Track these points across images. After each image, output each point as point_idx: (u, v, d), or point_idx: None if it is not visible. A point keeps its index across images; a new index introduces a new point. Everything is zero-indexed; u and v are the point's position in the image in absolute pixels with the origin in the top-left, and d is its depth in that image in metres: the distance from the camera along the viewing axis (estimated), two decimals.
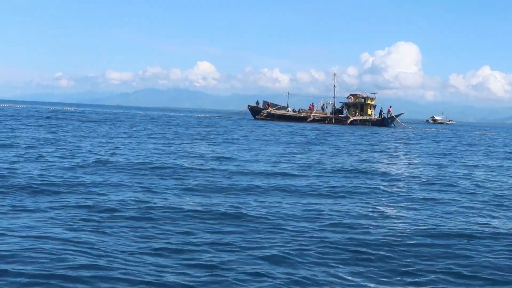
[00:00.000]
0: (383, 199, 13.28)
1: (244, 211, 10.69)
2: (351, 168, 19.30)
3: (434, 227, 10.06)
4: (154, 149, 22.93)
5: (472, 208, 12.45)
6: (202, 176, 15.35)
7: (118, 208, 10.39)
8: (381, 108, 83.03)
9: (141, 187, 13.09)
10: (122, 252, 7.59)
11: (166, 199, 11.78)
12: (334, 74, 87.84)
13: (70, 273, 6.62)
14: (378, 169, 19.66)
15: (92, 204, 10.64)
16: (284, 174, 16.78)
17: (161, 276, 6.73)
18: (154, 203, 11.02)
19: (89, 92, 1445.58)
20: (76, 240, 7.96)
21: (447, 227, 10.00)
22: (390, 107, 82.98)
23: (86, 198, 11.28)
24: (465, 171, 20.52)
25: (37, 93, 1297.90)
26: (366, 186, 15.33)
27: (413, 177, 18.06)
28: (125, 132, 34.76)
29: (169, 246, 8.01)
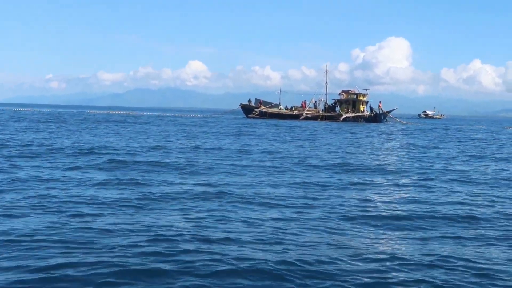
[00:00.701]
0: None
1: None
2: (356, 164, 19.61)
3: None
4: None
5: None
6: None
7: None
8: (370, 104, 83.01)
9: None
10: None
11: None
12: (326, 70, 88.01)
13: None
14: (372, 164, 19.91)
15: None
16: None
17: None
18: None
19: (81, 93, 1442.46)
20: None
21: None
22: (380, 102, 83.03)
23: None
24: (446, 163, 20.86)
25: (29, 95, 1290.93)
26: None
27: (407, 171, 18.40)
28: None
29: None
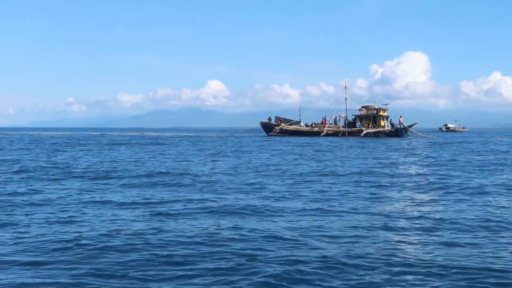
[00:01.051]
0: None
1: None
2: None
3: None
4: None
5: None
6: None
7: None
8: (391, 119, 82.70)
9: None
10: None
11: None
12: (345, 86, 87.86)
13: None
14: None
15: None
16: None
17: None
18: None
19: (102, 115, 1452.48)
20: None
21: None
22: (401, 117, 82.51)
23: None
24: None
25: (50, 119, 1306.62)
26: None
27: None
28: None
29: None
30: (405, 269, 8.09)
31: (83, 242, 9.63)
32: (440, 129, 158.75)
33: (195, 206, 13.78)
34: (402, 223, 11.75)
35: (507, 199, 15.47)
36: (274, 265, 8.16)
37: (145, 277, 7.66)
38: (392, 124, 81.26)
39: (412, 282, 7.50)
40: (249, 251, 9.04)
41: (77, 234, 10.27)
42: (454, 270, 7.99)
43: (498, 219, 12.22)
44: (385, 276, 7.71)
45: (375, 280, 7.53)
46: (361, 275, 7.75)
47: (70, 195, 15.86)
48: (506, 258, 8.74)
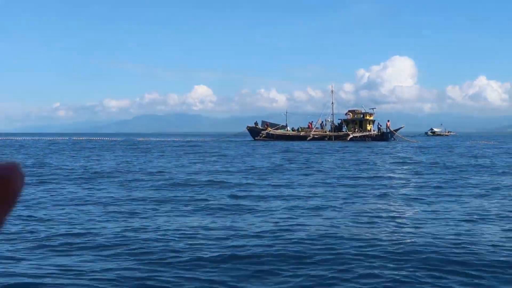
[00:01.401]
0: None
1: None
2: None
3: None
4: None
5: None
6: None
7: None
8: (378, 123, 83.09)
9: None
10: None
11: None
12: (331, 91, 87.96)
13: None
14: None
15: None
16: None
17: None
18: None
19: (88, 121, 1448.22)
20: None
21: None
22: (388, 121, 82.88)
23: None
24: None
25: (36, 125, 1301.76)
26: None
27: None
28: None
29: None
30: (381, 263, 8.16)
31: (56, 241, 9.61)
32: (426, 133, 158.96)
33: (173, 206, 13.84)
34: (378, 220, 11.90)
35: (482, 199, 15.67)
36: (252, 261, 8.21)
37: (116, 276, 7.63)
38: (379, 128, 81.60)
39: (388, 275, 7.55)
40: (229, 248, 9.06)
41: (49, 232, 10.27)
42: (427, 262, 8.08)
43: (473, 217, 12.39)
44: (361, 270, 7.76)
45: (352, 274, 7.57)
46: (338, 270, 7.78)
47: (46, 197, 15.86)
48: (479, 250, 8.86)
